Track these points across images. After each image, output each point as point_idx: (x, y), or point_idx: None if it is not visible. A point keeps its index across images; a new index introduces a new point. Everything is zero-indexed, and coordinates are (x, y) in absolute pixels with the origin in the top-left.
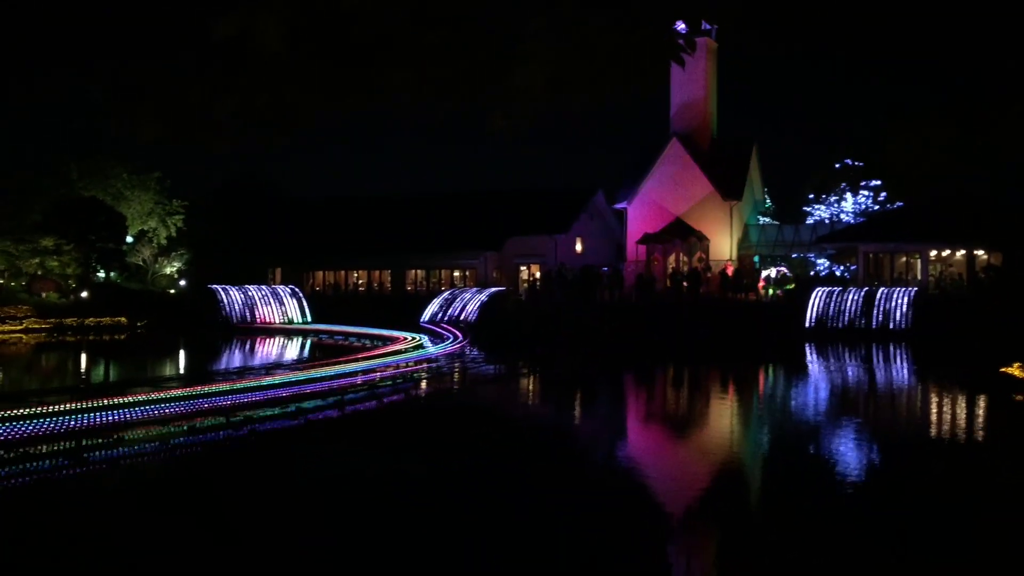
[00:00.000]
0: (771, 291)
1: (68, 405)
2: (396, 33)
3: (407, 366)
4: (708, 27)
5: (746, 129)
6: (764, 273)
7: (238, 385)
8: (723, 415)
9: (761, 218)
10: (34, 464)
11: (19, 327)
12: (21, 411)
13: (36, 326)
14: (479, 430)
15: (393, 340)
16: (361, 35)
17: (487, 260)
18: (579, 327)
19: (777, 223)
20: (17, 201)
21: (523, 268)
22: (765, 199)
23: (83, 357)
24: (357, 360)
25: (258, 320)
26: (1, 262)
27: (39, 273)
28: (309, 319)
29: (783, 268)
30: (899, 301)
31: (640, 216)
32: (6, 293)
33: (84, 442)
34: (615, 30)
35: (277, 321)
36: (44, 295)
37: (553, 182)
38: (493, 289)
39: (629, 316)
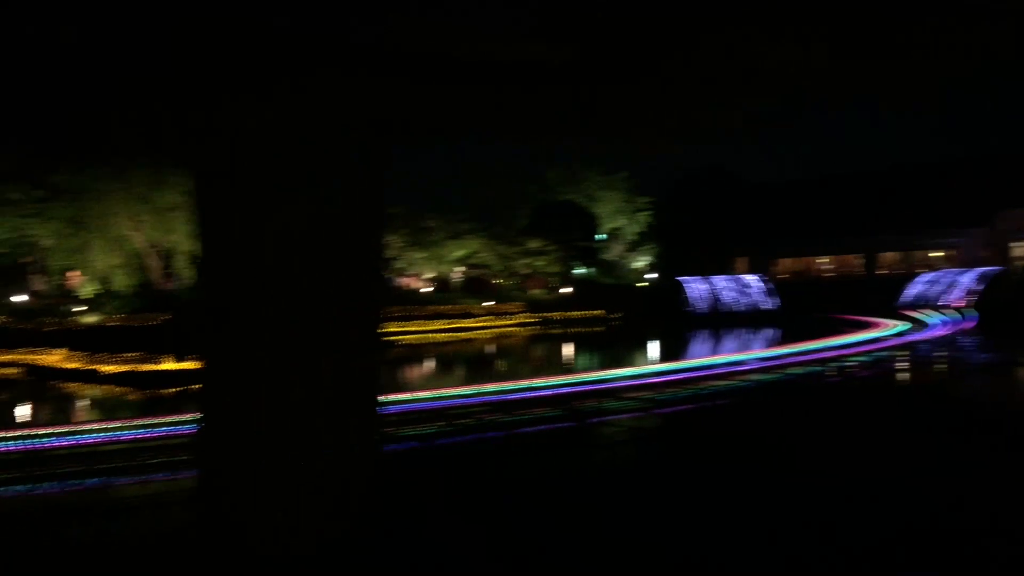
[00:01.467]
0: None
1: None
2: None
3: (885, 350)
4: None
5: None
6: None
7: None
8: None
9: None
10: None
11: (512, 322)
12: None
13: (528, 320)
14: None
15: (870, 325)
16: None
17: (973, 238)
18: None
19: None
20: (507, 208)
21: (1016, 245)
22: None
23: (572, 345)
24: (831, 348)
25: (724, 309)
26: (498, 264)
27: (528, 272)
28: (778, 306)
29: None
30: None
31: None
32: (502, 292)
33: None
34: None
35: (743, 309)
36: (532, 292)
37: None
38: (984, 269)
39: None
